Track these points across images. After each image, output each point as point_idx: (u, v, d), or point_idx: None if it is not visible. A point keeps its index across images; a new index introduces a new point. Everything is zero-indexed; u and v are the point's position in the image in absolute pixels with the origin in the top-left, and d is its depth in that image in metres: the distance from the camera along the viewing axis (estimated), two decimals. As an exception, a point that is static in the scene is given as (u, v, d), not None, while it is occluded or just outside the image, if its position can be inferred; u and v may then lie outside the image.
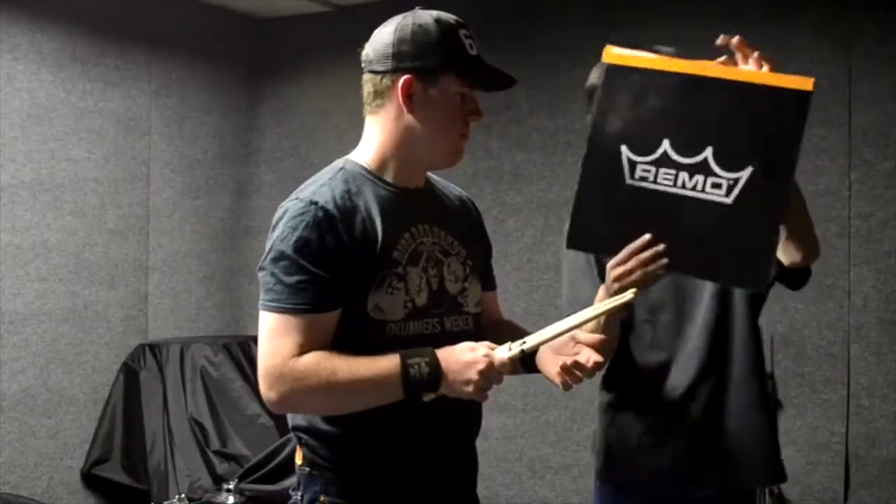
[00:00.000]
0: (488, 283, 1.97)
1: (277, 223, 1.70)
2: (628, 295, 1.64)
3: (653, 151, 1.67)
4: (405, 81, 1.70)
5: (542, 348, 1.71)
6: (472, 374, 1.61)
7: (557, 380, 1.68)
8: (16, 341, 4.01)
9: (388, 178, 1.77)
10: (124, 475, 4.14)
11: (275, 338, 1.65)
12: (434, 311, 1.76)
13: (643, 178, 1.67)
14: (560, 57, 4.20)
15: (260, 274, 1.70)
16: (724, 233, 1.66)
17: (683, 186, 1.65)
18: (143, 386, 4.23)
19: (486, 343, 1.65)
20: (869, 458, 3.62)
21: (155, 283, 4.61)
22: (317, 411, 1.72)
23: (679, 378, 2.05)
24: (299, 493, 1.79)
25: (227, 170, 5.01)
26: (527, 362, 1.75)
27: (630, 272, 1.69)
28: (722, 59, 1.66)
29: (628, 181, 1.68)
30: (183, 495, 3.73)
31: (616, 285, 1.71)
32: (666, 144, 1.66)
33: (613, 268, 1.72)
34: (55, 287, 4.15)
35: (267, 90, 5.10)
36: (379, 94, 1.74)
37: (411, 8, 1.77)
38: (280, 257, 1.66)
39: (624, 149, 1.68)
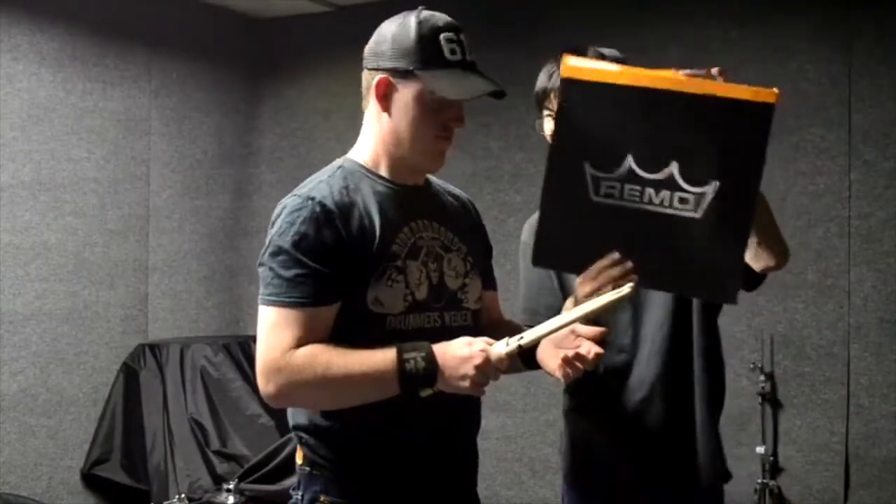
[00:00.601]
0: (489, 283, 1.97)
1: (276, 219, 1.71)
2: (626, 289, 1.61)
3: (617, 167, 1.62)
4: (379, 81, 1.72)
5: (542, 343, 1.71)
6: (469, 370, 1.60)
7: (559, 372, 1.69)
8: (16, 341, 4.01)
9: (384, 174, 1.78)
10: (124, 475, 4.14)
11: (273, 331, 1.66)
12: (434, 305, 1.76)
13: (609, 195, 1.63)
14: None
15: (259, 269, 1.71)
16: (693, 247, 1.63)
17: (650, 202, 1.62)
18: (143, 386, 4.23)
19: (484, 338, 1.64)
20: (869, 458, 3.62)
21: (155, 283, 4.61)
22: (314, 405, 1.72)
23: (641, 378, 2.04)
24: (299, 493, 1.78)
25: (227, 170, 5.00)
26: (527, 359, 1.76)
27: (599, 290, 1.65)
28: (686, 70, 1.61)
29: (593, 198, 1.64)
30: (183, 495, 3.73)
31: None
32: (630, 160, 1.62)
33: (582, 285, 1.69)
34: (55, 287, 4.15)
35: (267, 90, 5.10)
36: (366, 90, 1.77)
37: (411, 7, 1.76)
38: (278, 252, 1.66)
39: (587, 165, 1.64)
